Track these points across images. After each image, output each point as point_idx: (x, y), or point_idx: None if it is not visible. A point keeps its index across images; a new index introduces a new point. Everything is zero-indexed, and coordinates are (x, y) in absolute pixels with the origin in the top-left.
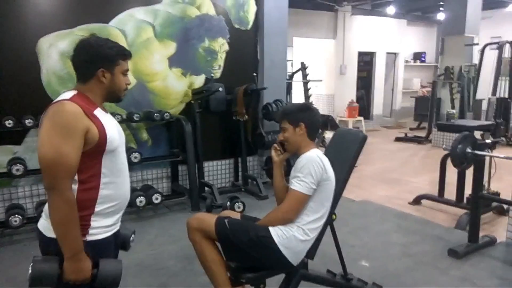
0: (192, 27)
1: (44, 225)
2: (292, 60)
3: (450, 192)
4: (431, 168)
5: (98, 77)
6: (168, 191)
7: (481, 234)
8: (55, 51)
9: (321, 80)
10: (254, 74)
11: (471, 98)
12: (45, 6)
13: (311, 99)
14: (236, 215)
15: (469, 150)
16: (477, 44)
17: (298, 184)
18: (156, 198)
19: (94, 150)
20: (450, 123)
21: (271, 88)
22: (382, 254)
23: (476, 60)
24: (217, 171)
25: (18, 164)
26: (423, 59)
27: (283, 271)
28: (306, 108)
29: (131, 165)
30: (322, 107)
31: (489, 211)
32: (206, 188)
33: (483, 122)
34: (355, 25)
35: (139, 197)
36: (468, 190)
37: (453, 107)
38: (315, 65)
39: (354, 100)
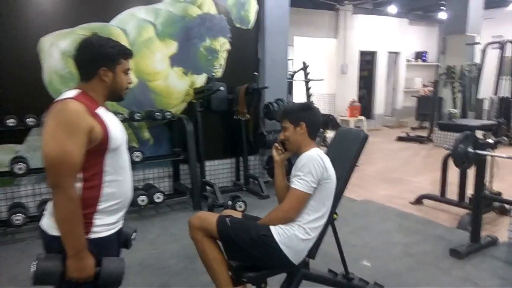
0: (193, 26)
1: (47, 224)
2: (293, 59)
3: (452, 192)
4: (433, 168)
5: (100, 76)
6: (170, 190)
7: (483, 234)
8: (56, 50)
9: (322, 80)
10: (255, 73)
11: (473, 98)
12: (46, 6)
13: (312, 99)
14: (238, 215)
15: (470, 149)
16: (479, 43)
17: (299, 182)
18: (158, 197)
19: (97, 148)
20: (452, 123)
21: (272, 87)
22: (384, 254)
23: (477, 59)
24: (219, 170)
25: (20, 163)
26: (424, 58)
27: (284, 270)
28: (307, 108)
29: (133, 164)
30: (323, 107)
31: (491, 211)
32: (208, 187)
33: (484, 121)
34: (356, 24)
35: (141, 196)
36: (470, 190)
37: (454, 107)
38: (317, 64)
39: (356, 100)
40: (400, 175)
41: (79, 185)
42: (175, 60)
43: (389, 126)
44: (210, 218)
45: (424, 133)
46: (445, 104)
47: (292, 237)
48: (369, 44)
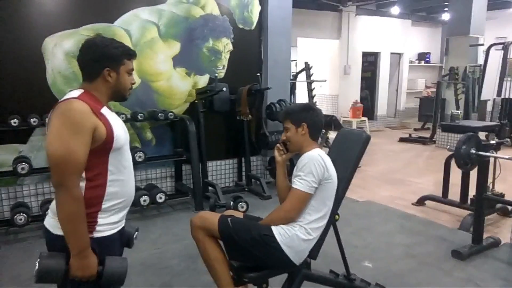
0: (197, 27)
1: (51, 223)
2: (296, 60)
3: (454, 193)
4: (435, 169)
5: (104, 77)
6: (172, 190)
7: (485, 235)
8: (60, 50)
9: (325, 80)
10: (258, 74)
11: (476, 99)
12: (50, 6)
13: (315, 99)
14: (239, 215)
15: (473, 151)
16: (482, 44)
17: (299, 182)
18: (160, 197)
19: (101, 148)
20: (455, 124)
21: (275, 88)
22: (386, 255)
23: (481, 61)
24: (221, 171)
25: (23, 163)
26: (427, 59)
27: (286, 270)
28: (309, 108)
29: (135, 164)
30: (326, 107)
31: (493, 212)
32: (210, 188)
33: (487, 123)
34: (359, 25)
35: (143, 196)
36: (472, 191)
37: (457, 108)
38: (319, 65)
39: (358, 101)
40: (403, 176)
41: (82, 184)
42: (178, 61)
43: (391, 127)
44: (212, 217)
45: (426, 134)
46: (448, 106)
47: (293, 237)
48: (372, 45)
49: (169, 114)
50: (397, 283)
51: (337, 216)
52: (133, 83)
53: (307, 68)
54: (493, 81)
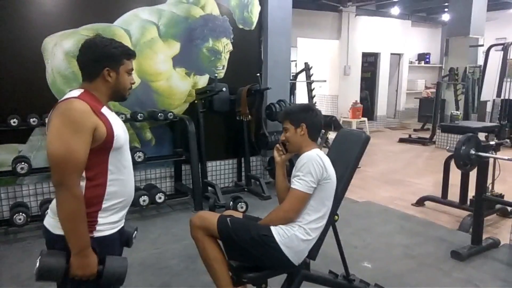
0: (196, 27)
1: (51, 223)
2: (296, 61)
3: (454, 194)
4: (435, 170)
5: (104, 76)
6: (172, 190)
7: (484, 236)
8: (60, 50)
9: (325, 81)
10: (258, 74)
11: (476, 100)
12: (50, 6)
13: (314, 100)
14: (239, 215)
15: (473, 151)
16: (482, 45)
17: (298, 183)
18: (160, 198)
19: (102, 147)
20: (454, 125)
21: (275, 88)
22: (385, 255)
23: (481, 62)
24: (220, 171)
25: (22, 163)
26: (427, 60)
27: (285, 270)
28: (308, 109)
29: (135, 164)
30: (325, 108)
31: (492, 213)
32: (209, 188)
33: (487, 123)
34: (359, 25)
35: (142, 196)
36: (471, 192)
37: (457, 109)
38: (319, 66)
39: (358, 101)
40: (402, 176)
41: (82, 184)
42: (177, 61)
43: (391, 127)
44: (211, 217)
45: (426, 135)
46: (447, 106)
47: (292, 237)
48: (372, 46)
49: (169, 114)
50: (397, 284)
51: (336, 217)
52: (133, 83)
53: (307, 68)
54: (493, 82)
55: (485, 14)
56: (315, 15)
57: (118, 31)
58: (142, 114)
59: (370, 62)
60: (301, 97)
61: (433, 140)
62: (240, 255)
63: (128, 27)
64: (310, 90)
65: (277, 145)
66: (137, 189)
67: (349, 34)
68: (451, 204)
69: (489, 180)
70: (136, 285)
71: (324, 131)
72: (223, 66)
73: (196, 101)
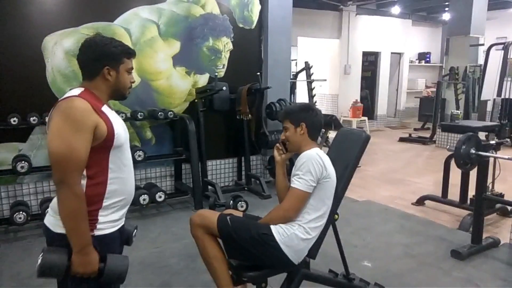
0: (197, 26)
1: (51, 221)
2: (296, 60)
3: (454, 193)
4: (435, 169)
5: (104, 75)
6: (172, 189)
7: (484, 235)
8: (60, 49)
9: (325, 80)
10: (258, 73)
11: (476, 99)
12: (50, 5)
13: (315, 99)
14: (239, 214)
15: (473, 151)
16: (483, 44)
17: (298, 182)
18: (160, 196)
19: (102, 145)
20: (455, 124)
21: (275, 88)
22: (385, 255)
23: (481, 61)
24: (221, 170)
25: (23, 162)
26: (428, 59)
27: (285, 270)
28: (308, 108)
29: (135, 163)
30: (326, 107)
31: (493, 212)
32: (209, 187)
33: (487, 123)
34: (359, 24)
35: (142, 195)
36: (472, 191)
37: (457, 108)
38: (320, 65)
39: (358, 100)
40: (402, 176)
41: (83, 182)
42: (178, 60)
43: (391, 127)
44: (211, 216)
45: (426, 134)
46: (448, 105)
47: (292, 236)
48: (372, 45)
49: (169, 113)
50: (396, 283)
51: (336, 216)
52: (133, 82)
53: (307, 67)
54: (493, 81)
55: (485, 13)
56: (315, 14)
57: (118, 30)
58: (142, 113)
59: (370, 61)
60: (301, 96)
61: (433, 139)
62: (240, 254)
63: (128, 26)
64: (310, 89)
65: (277, 144)
66: (137, 188)
67: (350, 33)
68: (451, 203)
69: (489, 180)
70: (136, 284)
71: (324, 130)
72: (223, 65)
73: (196, 100)
